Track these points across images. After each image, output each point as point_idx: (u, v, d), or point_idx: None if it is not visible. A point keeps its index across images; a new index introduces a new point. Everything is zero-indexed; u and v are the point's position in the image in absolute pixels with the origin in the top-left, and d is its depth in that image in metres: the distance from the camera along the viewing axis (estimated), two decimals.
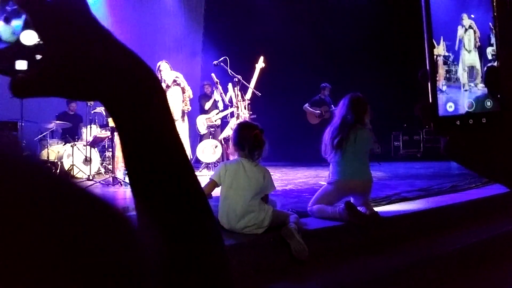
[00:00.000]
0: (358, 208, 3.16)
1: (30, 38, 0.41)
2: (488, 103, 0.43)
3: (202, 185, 2.63)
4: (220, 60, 6.02)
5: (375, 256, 2.95)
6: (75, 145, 6.03)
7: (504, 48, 0.42)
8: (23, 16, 0.40)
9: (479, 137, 0.44)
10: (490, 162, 0.45)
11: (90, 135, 6.02)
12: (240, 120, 6.10)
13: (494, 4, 0.43)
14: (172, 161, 0.39)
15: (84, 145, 6.03)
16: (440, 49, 0.43)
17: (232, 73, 6.00)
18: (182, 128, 5.83)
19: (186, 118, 6.06)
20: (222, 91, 6.55)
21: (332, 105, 8.65)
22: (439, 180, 5.44)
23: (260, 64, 6.41)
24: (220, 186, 2.72)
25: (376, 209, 3.49)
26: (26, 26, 0.40)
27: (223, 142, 7.23)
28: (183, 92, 5.87)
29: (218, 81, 6.02)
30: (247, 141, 2.71)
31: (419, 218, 3.67)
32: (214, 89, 7.02)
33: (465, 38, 0.44)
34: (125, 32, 7.96)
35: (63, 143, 6.49)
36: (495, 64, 0.43)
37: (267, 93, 6.68)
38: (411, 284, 2.80)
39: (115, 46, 0.38)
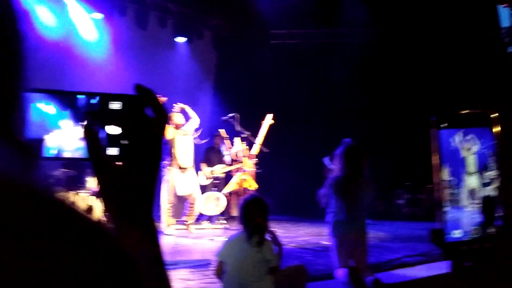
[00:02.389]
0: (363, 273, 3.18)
1: (115, 128, 0.52)
2: (492, 229, 0.49)
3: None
4: (229, 116, 6.24)
5: None
6: (78, 194, 5.98)
7: (504, 176, 0.49)
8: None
9: (485, 260, 0.48)
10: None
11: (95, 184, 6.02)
12: (245, 176, 6.21)
13: (494, 133, 0.50)
14: None
15: (88, 195, 6.02)
16: (445, 175, 0.50)
17: (241, 128, 6.19)
18: (193, 175, 5.89)
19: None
20: (230, 146, 6.71)
21: None
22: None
23: (269, 120, 6.62)
24: (225, 263, 2.76)
25: (377, 274, 3.50)
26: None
27: (227, 196, 7.29)
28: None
29: (228, 136, 6.21)
30: (248, 227, 2.75)
31: (420, 285, 3.67)
32: (222, 144, 7.19)
33: (467, 163, 0.51)
34: (132, 79, 8.25)
35: (66, 190, 6.48)
36: (492, 192, 0.49)
37: (274, 148, 6.83)
38: None
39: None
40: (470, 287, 0.47)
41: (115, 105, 0.53)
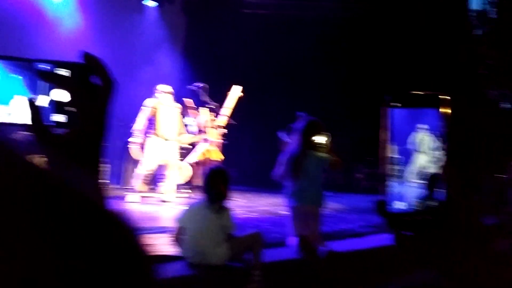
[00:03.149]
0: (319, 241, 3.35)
1: (64, 96, 0.53)
2: (435, 203, 0.53)
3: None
4: (196, 85, 6.20)
5: None
6: (40, 157, 5.93)
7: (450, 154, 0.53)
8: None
9: (426, 231, 0.53)
10: (435, 256, 0.51)
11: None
12: (211, 146, 6.27)
13: (442, 115, 0.53)
14: None
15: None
16: (394, 152, 0.53)
17: (208, 98, 6.18)
18: (175, 148, 5.90)
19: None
20: (195, 116, 6.70)
21: None
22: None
23: (237, 93, 6.63)
24: (185, 228, 2.89)
25: (329, 244, 3.69)
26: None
27: (193, 165, 7.33)
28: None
29: (194, 107, 6.19)
30: (210, 193, 2.88)
31: (371, 255, 3.90)
32: (188, 113, 7.15)
33: (419, 143, 0.55)
34: (100, 42, 8.01)
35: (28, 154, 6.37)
36: (436, 170, 0.53)
37: (240, 120, 6.87)
38: None
39: None
40: (411, 256, 0.53)
41: (64, 73, 0.54)
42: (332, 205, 7.10)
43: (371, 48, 9.57)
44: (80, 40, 7.54)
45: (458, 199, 0.52)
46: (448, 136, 0.53)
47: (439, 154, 0.54)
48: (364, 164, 10.22)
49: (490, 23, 10.86)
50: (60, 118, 0.54)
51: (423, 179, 0.53)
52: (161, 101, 5.71)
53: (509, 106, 14.00)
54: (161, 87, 5.79)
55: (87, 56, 0.53)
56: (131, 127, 7.48)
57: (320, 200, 3.62)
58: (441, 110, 0.55)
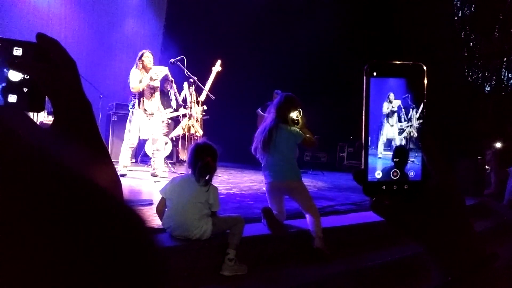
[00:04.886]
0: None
1: (15, 75, 0.53)
2: (411, 173, 0.51)
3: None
4: (177, 59, 6.06)
5: (304, 266, 3.18)
6: None
7: (424, 124, 0.53)
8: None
9: (401, 200, 0.51)
10: (409, 222, 0.51)
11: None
12: (193, 121, 6.20)
13: (410, 86, 0.53)
14: None
15: None
16: (369, 122, 0.54)
17: (188, 73, 6.07)
18: (158, 120, 5.80)
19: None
20: (176, 90, 6.60)
21: None
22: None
23: (217, 67, 6.54)
24: (167, 199, 2.85)
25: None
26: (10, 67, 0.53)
27: (173, 140, 7.27)
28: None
29: (173, 79, 6.07)
30: (197, 166, 2.82)
31: (348, 232, 3.95)
32: (170, 88, 7.04)
33: (390, 114, 0.54)
34: (80, 18, 7.78)
35: None
36: (403, 142, 0.53)
37: (221, 96, 6.80)
38: None
39: None
40: (388, 225, 0.52)
41: (17, 52, 0.53)
42: (314, 183, 7.18)
43: (348, 25, 9.49)
44: (61, 16, 7.32)
45: (438, 170, 0.50)
46: (427, 106, 0.52)
47: (410, 125, 0.53)
48: (348, 143, 10.34)
49: (472, 5, 10.95)
50: (13, 98, 0.53)
51: (392, 151, 0.53)
52: (145, 72, 5.54)
53: (488, 89, 14.24)
54: (146, 56, 5.58)
55: (43, 37, 0.52)
56: (111, 99, 7.35)
57: (293, 175, 3.50)
58: (418, 80, 0.52)
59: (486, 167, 7.38)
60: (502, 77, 14.10)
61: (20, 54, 0.54)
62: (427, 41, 9.46)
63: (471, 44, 13.87)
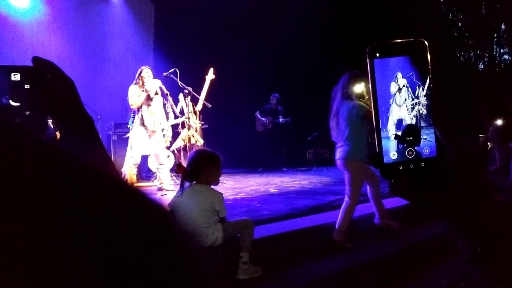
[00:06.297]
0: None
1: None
2: (426, 150, 0.51)
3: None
4: (170, 71, 6.09)
5: (317, 261, 3.19)
6: None
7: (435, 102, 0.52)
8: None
9: (420, 178, 0.50)
10: (431, 200, 0.49)
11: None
12: (192, 131, 6.21)
13: (414, 63, 0.53)
14: None
15: None
16: (378, 105, 0.53)
17: (183, 84, 6.09)
18: (160, 138, 5.79)
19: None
20: (172, 103, 6.61)
21: (281, 116, 8.96)
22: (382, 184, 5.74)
23: (210, 75, 6.56)
24: (176, 212, 2.85)
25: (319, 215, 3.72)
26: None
27: (175, 152, 7.28)
28: (167, 100, 5.85)
29: (168, 92, 6.09)
30: (196, 174, 2.81)
31: (356, 223, 3.95)
32: (165, 101, 7.06)
33: (397, 94, 0.50)
34: (70, 41, 7.81)
35: None
36: (414, 121, 0.53)
37: (218, 103, 6.81)
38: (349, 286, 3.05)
39: None
40: (411, 205, 0.52)
41: (16, 77, 0.55)
42: (318, 179, 7.19)
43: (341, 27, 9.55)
44: (50, 41, 7.37)
45: (453, 143, 0.50)
46: (432, 81, 0.51)
47: (418, 103, 0.51)
48: None
49: None
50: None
51: (401, 131, 0.51)
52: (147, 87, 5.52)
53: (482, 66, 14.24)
54: (145, 72, 5.59)
55: (38, 60, 0.53)
56: (109, 119, 7.37)
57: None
58: (421, 56, 0.51)
59: (488, 144, 7.38)
60: (494, 53, 14.11)
61: (19, 79, 0.55)
62: (416, 24, 9.48)
63: (459, 24, 13.89)
